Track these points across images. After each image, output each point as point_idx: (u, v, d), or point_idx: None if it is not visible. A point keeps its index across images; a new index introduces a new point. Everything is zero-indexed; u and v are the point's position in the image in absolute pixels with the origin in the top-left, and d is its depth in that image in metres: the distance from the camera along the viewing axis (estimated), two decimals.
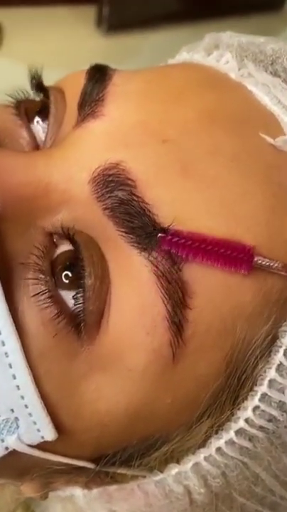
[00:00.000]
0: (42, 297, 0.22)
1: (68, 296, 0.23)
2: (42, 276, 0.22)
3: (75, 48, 0.96)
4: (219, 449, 0.26)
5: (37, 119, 0.27)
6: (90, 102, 0.24)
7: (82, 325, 0.22)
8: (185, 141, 0.23)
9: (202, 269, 0.22)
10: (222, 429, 0.25)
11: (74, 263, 0.22)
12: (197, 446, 0.26)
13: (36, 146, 0.26)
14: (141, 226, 0.22)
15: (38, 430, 0.23)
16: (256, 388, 0.24)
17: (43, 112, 0.27)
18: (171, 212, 0.22)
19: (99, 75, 0.25)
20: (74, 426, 0.24)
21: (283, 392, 0.24)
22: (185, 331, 0.22)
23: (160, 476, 0.28)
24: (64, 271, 0.23)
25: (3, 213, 0.23)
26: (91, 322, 0.22)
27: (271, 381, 0.24)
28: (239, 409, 0.25)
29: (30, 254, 0.23)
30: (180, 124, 0.23)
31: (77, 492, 0.32)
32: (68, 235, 0.23)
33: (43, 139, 0.26)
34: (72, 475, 0.27)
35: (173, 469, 0.27)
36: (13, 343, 0.22)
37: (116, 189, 0.22)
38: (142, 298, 0.22)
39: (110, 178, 0.22)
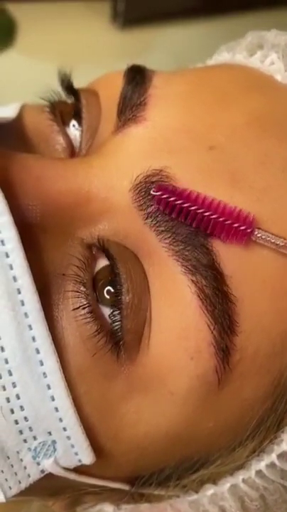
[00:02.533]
0: (83, 311, 0.21)
1: (108, 313, 0.21)
2: (83, 289, 0.21)
3: (90, 43, 0.95)
4: (259, 472, 0.24)
5: (73, 122, 0.26)
6: (131, 106, 0.23)
7: (121, 343, 0.21)
8: (234, 148, 0.22)
9: (249, 293, 0.21)
10: (264, 452, 0.24)
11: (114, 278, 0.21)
12: (236, 468, 0.25)
13: (72, 151, 0.25)
14: (186, 236, 0.20)
15: (76, 453, 0.22)
16: None
17: (79, 115, 0.25)
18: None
19: (138, 77, 0.24)
20: (112, 449, 0.23)
21: None
22: (232, 357, 0.21)
23: (194, 497, 0.26)
24: (106, 286, 0.21)
25: (42, 223, 0.22)
26: (130, 341, 0.21)
27: None
28: (282, 431, 0.24)
29: (70, 265, 0.22)
30: (227, 129, 0.22)
31: (107, 508, 0.31)
32: (103, 248, 0.21)
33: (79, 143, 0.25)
34: (104, 495, 0.26)
35: (209, 490, 0.26)
36: (52, 364, 0.20)
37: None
38: (185, 321, 0.20)
39: (152, 186, 0.21)
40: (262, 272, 0.21)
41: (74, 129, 0.26)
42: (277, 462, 0.24)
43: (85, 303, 0.21)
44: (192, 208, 0.20)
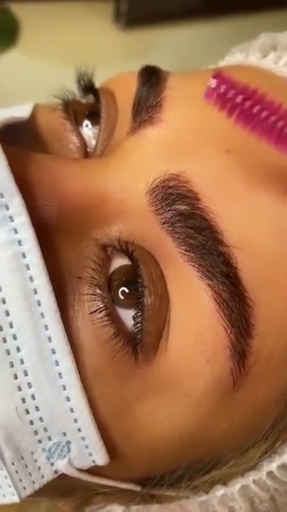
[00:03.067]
0: (100, 315, 0.21)
1: (125, 315, 0.21)
2: (99, 292, 0.21)
3: (92, 43, 0.95)
4: (270, 473, 0.24)
5: (86, 122, 0.26)
6: (146, 107, 0.23)
7: (139, 346, 0.21)
8: (248, 152, 0.22)
9: (265, 296, 0.21)
10: (275, 453, 0.24)
11: (132, 279, 0.21)
12: (247, 469, 0.25)
13: (86, 151, 0.25)
14: (203, 244, 0.20)
15: (90, 454, 0.22)
16: None
17: (93, 115, 0.25)
18: (236, 231, 0.20)
19: (153, 79, 0.24)
20: (125, 450, 0.22)
21: None
22: (248, 359, 0.21)
23: (204, 497, 0.26)
24: (121, 287, 0.21)
25: (58, 223, 0.21)
26: (149, 343, 0.21)
27: None
28: None
29: (85, 267, 0.22)
30: (243, 132, 0.22)
31: (116, 509, 0.31)
32: (127, 250, 0.21)
33: (93, 143, 0.25)
34: (115, 496, 0.26)
35: (219, 491, 0.26)
36: (68, 364, 0.20)
37: (176, 202, 0.21)
38: (202, 324, 0.20)
39: (170, 191, 0.21)
40: (278, 275, 0.21)
41: (87, 129, 0.26)
42: None
43: (102, 306, 0.21)
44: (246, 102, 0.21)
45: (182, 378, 0.21)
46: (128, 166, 0.22)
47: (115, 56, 0.94)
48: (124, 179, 0.22)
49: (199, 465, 0.25)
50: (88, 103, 0.26)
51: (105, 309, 0.21)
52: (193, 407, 0.22)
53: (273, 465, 0.24)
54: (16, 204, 0.20)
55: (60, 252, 0.22)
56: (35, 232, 0.20)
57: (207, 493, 0.26)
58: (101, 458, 0.22)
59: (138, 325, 0.21)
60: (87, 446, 0.22)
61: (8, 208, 0.20)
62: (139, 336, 0.21)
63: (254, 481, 0.25)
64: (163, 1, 0.97)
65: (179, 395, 0.21)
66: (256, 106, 0.21)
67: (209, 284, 0.20)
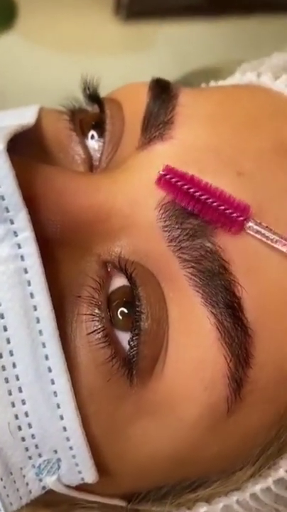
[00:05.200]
0: (97, 336, 0.20)
1: (123, 336, 0.21)
2: (98, 312, 0.21)
3: (91, 33, 0.94)
4: (253, 495, 0.24)
5: (92, 132, 0.25)
6: (157, 123, 0.23)
7: (134, 369, 0.21)
8: (261, 176, 0.21)
9: (266, 326, 0.20)
10: (261, 476, 0.24)
11: (131, 300, 0.21)
12: (232, 489, 0.25)
13: (91, 164, 0.25)
14: (209, 270, 0.20)
15: (80, 472, 0.22)
16: None
17: (99, 126, 0.25)
18: (243, 259, 0.20)
19: (165, 95, 0.23)
20: (115, 468, 0.22)
21: None
22: (244, 388, 0.21)
23: None
24: (120, 307, 0.21)
25: (61, 238, 0.21)
26: (144, 367, 0.21)
27: None
28: (281, 458, 0.24)
29: (85, 285, 0.21)
30: (255, 155, 0.22)
31: None
32: (125, 271, 0.21)
33: (98, 155, 0.25)
34: (99, 510, 0.26)
35: (202, 508, 0.26)
36: (63, 383, 0.20)
37: (186, 220, 0.21)
38: (202, 352, 0.20)
39: (180, 208, 0.21)
40: (281, 307, 0.21)
41: (93, 141, 0.25)
42: (273, 487, 0.24)
43: (99, 327, 0.21)
44: (191, 190, 0.20)
45: (177, 403, 0.21)
46: (137, 180, 0.22)
47: (113, 48, 0.93)
48: (133, 193, 0.21)
49: (186, 483, 0.25)
50: (94, 113, 0.26)
51: (103, 331, 0.20)
52: (186, 430, 0.22)
53: (257, 487, 0.24)
54: (21, 219, 0.19)
55: (61, 266, 0.22)
56: (38, 247, 0.20)
57: (189, 509, 0.26)
58: (90, 476, 0.22)
59: (134, 349, 0.20)
60: (77, 464, 0.21)
61: (13, 223, 0.19)
62: (135, 359, 0.20)
63: (237, 501, 0.25)
64: None
65: (172, 419, 0.21)
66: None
67: (212, 312, 0.20)
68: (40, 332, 0.20)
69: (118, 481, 0.23)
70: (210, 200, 0.20)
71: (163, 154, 0.22)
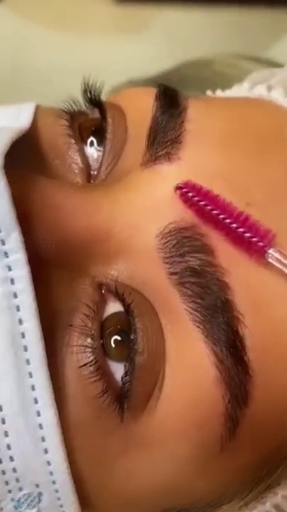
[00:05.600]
0: (89, 369, 0.19)
1: (116, 367, 0.20)
2: (90, 342, 0.19)
3: (84, 13, 0.91)
4: None
5: (91, 138, 0.23)
6: (165, 141, 0.21)
7: (126, 404, 0.19)
8: (270, 208, 0.20)
9: (266, 365, 0.19)
10: (247, 508, 0.24)
11: (126, 328, 0.20)
12: None
13: (89, 174, 0.23)
14: (212, 306, 0.19)
15: (61, 506, 0.20)
16: None
17: (99, 132, 0.23)
18: (248, 295, 0.19)
19: (173, 110, 0.22)
20: (98, 501, 0.21)
21: None
22: (240, 427, 0.20)
23: None
24: (113, 335, 0.20)
25: (55, 259, 0.20)
26: (137, 403, 0.19)
27: None
28: (269, 492, 0.23)
29: (77, 312, 0.20)
30: (265, 185, 0.20)
31: None
32: (123, 299, 0.20)
33: (97, 164, 0.23)
34: None
35: None
36: (50, 416, 0.19)
37: (189, 255, 0.19)
38: (200, 391, 0.19)
39: (184, 241, 0.19)
40: (283, 346, 0.20)
41: (92, 148, 0.23)
42: None
43: (91, 359, 0.19)
44: (214, 211, 0.19)
45: (169, 439, 0.20)
46: (140, 202, 0.20)
47: (106, 29, 0.91)
48: (134, 216, 0.20)
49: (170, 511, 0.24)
50: (95, 118, 0.24)
51: (95, 363, 0.19)
52: (176, 466, 0.21)
53: None
54: (13, 240, 0.18)
55: (53, 288, 0.20)
56: (30, 268, 0.18)
57: None
58: (72, 510, 0.20)
59: (127, 384, 0.19)
60: (59, 498, 0.20)
61: (4, 243, 0.18)
62: (127, 395, 0.19)
63: None
64: None
65: (163, 454, 0.20)
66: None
67: (213, 350, 0.19)
68: (28, 361, 0.19)
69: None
70: (234, 225, 0.19)
71: (169, 176, 0.20)
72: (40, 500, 0.20)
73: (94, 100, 0.24)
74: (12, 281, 0.18)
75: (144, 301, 0.20)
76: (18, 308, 0.18)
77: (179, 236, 0.19)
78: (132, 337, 0.19)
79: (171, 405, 0.20)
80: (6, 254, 0.18)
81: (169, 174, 0.20)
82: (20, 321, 0.18)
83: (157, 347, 0.19)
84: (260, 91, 0.25)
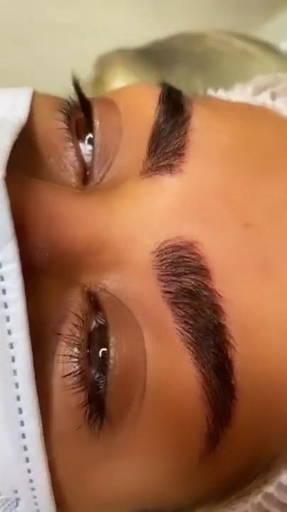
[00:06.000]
0: (73, 380, 0.19)
1: (99, 378, 0.19)
2: (77, 352, 0.19)
3: None
4: None
5: (89, 135, 0.23)
6: (167, 152, 0.20)
7: (104, 415, 0.19)
8: (269, 229, 0.20)
9: (251, 388, 0.20)
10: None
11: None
12: None
13: (85, 175, 0.22)
14: (204, 328, 0.19)
15: (38, 510, 0.21)
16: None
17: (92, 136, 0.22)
18: (242, 320, 0.19)
19: (177, 117, 0.21)
20: (74, 506, 0.22)
21: None
22: (220, 444, 0.20)
23: None
24: (102, 347, 0.20)
25: (47, 267, 0.19)
26: (113, 415, 0.19)
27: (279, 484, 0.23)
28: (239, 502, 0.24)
29: (66, 321, 0.19)
30: (265, 205, 0.20)
31: None
32: (102, 310, 0.20)
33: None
34: None
35: None
36: (33, 427, 0.19)
37: (184, 275, 0.19)
38: (184, 411, 0.19)
39: (181, 260, 0.19)
40: (272, 373, 0.20)
41: (89, 146, 0.22)
42: None
43: (76, 369, 0.19)
44: None
45: (147, 452, 0.20)
46: (137, 215, 0.20)
47: None
48: (130, 230, 0.20)
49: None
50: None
51: (79, 374, 0.19)
52: (151, 476, 0.21)
53: None
54: (9, 250, 0.17)
55: (43, 296, 0.20)
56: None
57: None
58: None
59: (101, 397, 0.19)
60: (36, 504, 0.20)
61: None
62: (103, 407, 0.19)
63: None
64: None
65: (140, 465, 0.21)
66: None
67: (201, 371, 0.19)
68: (15, 372, 0.18)
69: None
70: None
71: (170, 189, 0.20)
72: (17, 505, 0.20)
73: (80, 100, 0.23)
74: (4, 291, 0.18)
75: (126, 314, 0.20)
76: (7, 319, 0.18)
77: (176, 255, 0.19)
78: (105, 351, 0.19)
79: (153, 421, 0.20)
80: None
81: (169, 187, 0.20)
82: (9, 332, 0.18)
83: (134, 363, 0.19)
84: (264, 99, 0.25)
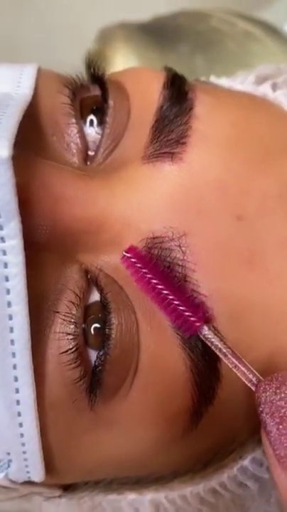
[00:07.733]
0: (69, 357, 0.20)
1: (93, 355, 0.20)
2: (73, 329, 0.20)
3: None
4: (183, 496, 0.26)
5: (91, 117, 0.23)
6: (169, 139, 0.21)
7: (97, 390, 0.20)
8: (260, 223, 0.21)
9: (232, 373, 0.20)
10: (193, 481, 0.26)
11: (104, 319, 0.20)
12: (162, 488, 0.26)
13: (86, 155, 0.23)
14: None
15: (28, 472, 0.22)
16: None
17: (100, 111, 0.23)
18: (227, 308, 0.20)
19: (180, 104, 0.22)
20: (62, 469, 0.23)
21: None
22: (202, 420, 0.21)
23: (114, 497, 0.28)
24: (94, 323, 0.21)
25: (47, 243, 0.20)
26: (107, 390, 0.20)
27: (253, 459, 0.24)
28: (216, 474, 0.25)
29: (63, 298, 0.20)
30: (258, 198, 0.21)
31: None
32: (101, 290, 0.20)
33: (96, 144, 0.23)
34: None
35: (130, 495, 0.27)
36: (28, 394, 0.20)
37: (170, 266, 0.20)
38: (172, 389, 0.20)
39: (167, 253, 0.20)
40: (251, 353, 0.21)
41: (91, 128, 0.23)
42: (202, 493, 0.25)
43: (72, 345, 0.20)
44: (153, 280, 0.20)
45: (134, 425, 0.21)
46: (136, 201, 0.20)
47: None
48: (128, 214, 0.20)
49: (124, 480, 0.26)
50: (96, 95, 0.23)
51: (75, 350, 0.20)
52: (137, 446, 0.22)
53: (187, 489, 0.25)
54: (13, 227, 0.18)
55: (42, 271, 0.20)
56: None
57: (119, 494, 0.27)
58: (38, 477, 0.22)
59: (98, 373, 0.20)
60: (27, 466, 0.22)
61: (2, 229, 0.18)
62: (99, 382, 0.20)
63: (165, 497, 0.26)
64: None
65: (127, 436, 0.22)
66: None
67: (189, 355, 0.20)
68: (12, 342, 0.19)
69: (63, 478, 0.24)
70: (170, 296, 0.20)
71: (169, 177, 0.21)
72: (9, 466, 0.22)
73: (96, 79, 0.23)
74: (6, 265, 0.18)
75: (123, 295, 0.21)
76: (8, 292, 0.19)
77: (163, 248, 0.20)
78: (107, 331, 0.20)
79: (142, 397, 0.21)
80: (2, 239, 0.18)
81: (169, 175, 0.21)
82: (9, 304, 0.19)
83: (130, 343, 0.20)
84: (265, 90, 0.25)
